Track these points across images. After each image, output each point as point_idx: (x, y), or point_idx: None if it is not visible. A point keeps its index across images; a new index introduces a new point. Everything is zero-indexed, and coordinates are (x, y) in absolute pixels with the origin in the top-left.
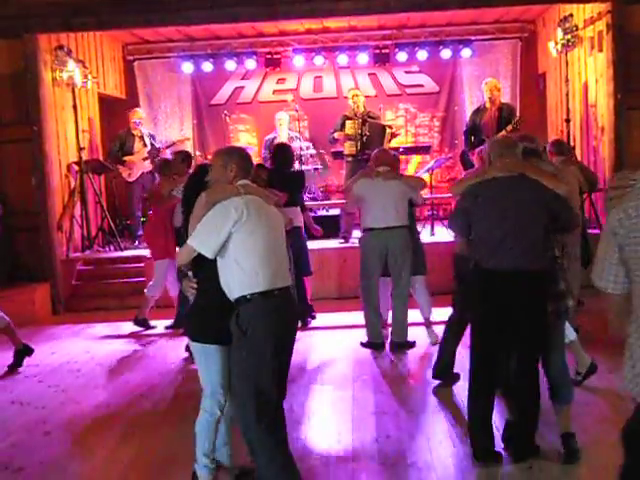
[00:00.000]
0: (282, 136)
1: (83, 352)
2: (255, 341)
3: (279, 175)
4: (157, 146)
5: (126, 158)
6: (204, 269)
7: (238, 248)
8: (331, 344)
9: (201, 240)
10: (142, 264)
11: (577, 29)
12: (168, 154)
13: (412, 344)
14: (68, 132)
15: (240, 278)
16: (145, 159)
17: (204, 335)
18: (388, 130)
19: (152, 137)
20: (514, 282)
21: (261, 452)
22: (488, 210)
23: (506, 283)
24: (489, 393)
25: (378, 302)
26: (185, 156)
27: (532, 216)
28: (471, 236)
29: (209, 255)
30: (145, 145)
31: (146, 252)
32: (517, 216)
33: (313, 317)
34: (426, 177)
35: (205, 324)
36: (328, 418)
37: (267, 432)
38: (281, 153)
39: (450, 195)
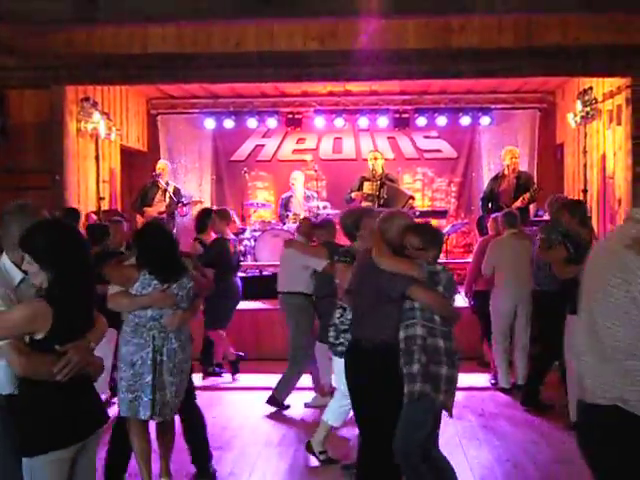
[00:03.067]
0: (298, 195)
1: None
2: None
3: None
4: (174, 200)
5: (145, 209)
6: None
7: None
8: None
9: None
10: None
11: (596, 102)
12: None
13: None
14: (89, 182)
15: None
16: (161, 213)
17: None
18: (410, 201)
19: (177, 192)
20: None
21: None
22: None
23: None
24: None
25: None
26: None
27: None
28: None
29: None
30: (165, 199)
31: None
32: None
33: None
34: None
35: None
36: None
37: None
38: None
39: (465, 261)
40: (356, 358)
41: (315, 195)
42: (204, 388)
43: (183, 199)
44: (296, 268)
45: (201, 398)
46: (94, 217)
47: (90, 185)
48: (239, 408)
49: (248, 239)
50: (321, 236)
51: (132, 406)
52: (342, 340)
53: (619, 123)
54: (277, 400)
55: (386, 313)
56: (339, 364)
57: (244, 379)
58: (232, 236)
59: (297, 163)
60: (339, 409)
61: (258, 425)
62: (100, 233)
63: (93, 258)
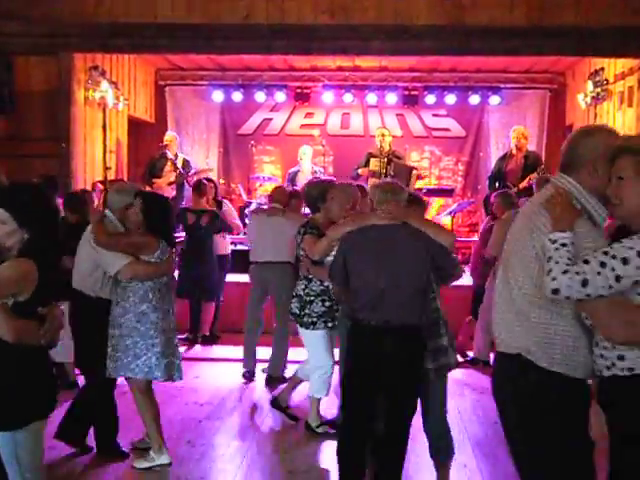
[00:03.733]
0: (305, 169)
1: None
2: None
3: None
4: (182, 172)
5: (154, 180)
6: None
7: None
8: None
9: None
10: None
11: (607, 83)
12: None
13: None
14: (96, 151)
15: None
16: (170, 184)
17: None
18: (414, 172)
19: (187, 163)
20: (385, 338)
21: None
22: (365, 259)
23: (377, 338)
24: (359, 450)
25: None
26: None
27: (412, 267)
28: (350, 286)
29: None
30: (175, 169)
31: None
32: (395, 266)
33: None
34: (448, 220)
35: None
36: None
37: None
38: None
39: (471, 239)
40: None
41: (322, 170)
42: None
43: (193, 170)
44: (288, 237)
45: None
46: (100, 186)
47: (97, 154)
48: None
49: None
50: (296, 205)
51: (168, 370)
52: (308, 312)
53: (630, 105)
54: (278, 380)
55: (421, 289)
56: (308, 335)
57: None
58: (208, 208)
59: (305, 138)
60: (319, 380)
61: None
62: (79, 202)
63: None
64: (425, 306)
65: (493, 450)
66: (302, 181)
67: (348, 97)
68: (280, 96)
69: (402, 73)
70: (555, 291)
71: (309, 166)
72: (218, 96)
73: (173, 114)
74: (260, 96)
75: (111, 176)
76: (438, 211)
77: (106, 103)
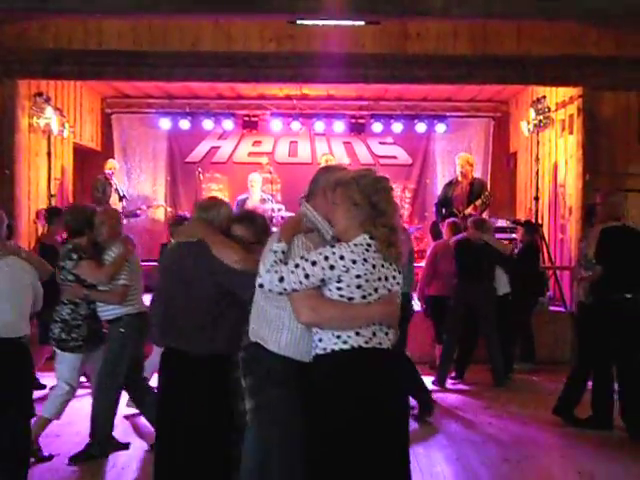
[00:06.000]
0: (254, 197)
1: None
2: None
3: None
4: (132, 208)
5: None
6: None
7: None
8: None
9: None
10: None
11: (549, 111)
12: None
13: None
14: (40, 179)
15: None
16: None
17: None
18: None
19: (123, 196)
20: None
21: None
22: (163, 281)
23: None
24: None
25: None
26: None
27: (198, 290)
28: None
29: None
30: (120, 198)
31: None
32: (186, 289)
33: None
34: None
35: None
36: None
37: None
38: None
39: (418, 265)
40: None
41: (271, 198)
42: None
43: (143, 205)
44: None
45: None
46: (44, 214)
47: (41, 182)
48: None
49: None
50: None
51: None
52: (75, 336)
53: (571, 132)
54: None
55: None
56: (67, 359)
57: None
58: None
59: (253, 166)
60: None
61: None
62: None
63: None
64: (219, 334)
65: None
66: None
67: (296, 125)
68: (228, 124)
69: (349, 101)
70: (260, 285)
71: (259, 194)
72: (165, 124)
73: (120, 142)
74: (208, 124)
75: (55, 203)
76: None
77: (51, 130)
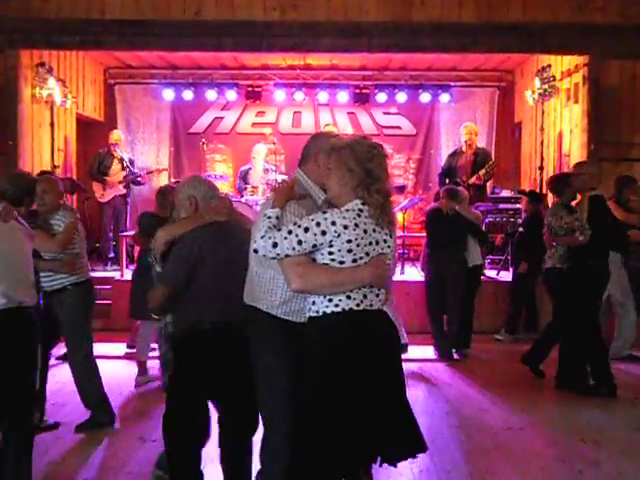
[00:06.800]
0: (257, 168)
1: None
2: None
3: None
4: (135, 172)
5: (106, 178)
6: None
7: None
8: None
9: None
10: (109, 286)
11: (554, 80)
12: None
13: None
14: (43, 149)
15: None
16: (120, 182)
17: None
18: None
19: (131, 162)
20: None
21: None
22: (211, 258)
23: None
24: None
25: None
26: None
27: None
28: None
29: None
30: (123, 168)
31: (114, 274)
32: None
33: None
34: (399, 216)
35: None
36: None
37: None
38: None
39: (422, 235)
40: None
41: (274, 168)
42: None
43: (137, 170)
44: None
45: None
46: None
47: (45, 153)
48: None
49: None
50: None
51: None
52: None
53: (576, 101)
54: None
55: None
56: None
57: None
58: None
59: (256, 136)
60: None
61: None
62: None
63: None
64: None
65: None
66: (254, 179)
67: (299, 95)
68: (231, 94)
69: (353, 71)
70: (255, 251)
71: (262, 164)
72: (169, 94)
73: (123, 113)
74: (211, 94)
75: (59, 174)
76: None
77: (54, 101)
